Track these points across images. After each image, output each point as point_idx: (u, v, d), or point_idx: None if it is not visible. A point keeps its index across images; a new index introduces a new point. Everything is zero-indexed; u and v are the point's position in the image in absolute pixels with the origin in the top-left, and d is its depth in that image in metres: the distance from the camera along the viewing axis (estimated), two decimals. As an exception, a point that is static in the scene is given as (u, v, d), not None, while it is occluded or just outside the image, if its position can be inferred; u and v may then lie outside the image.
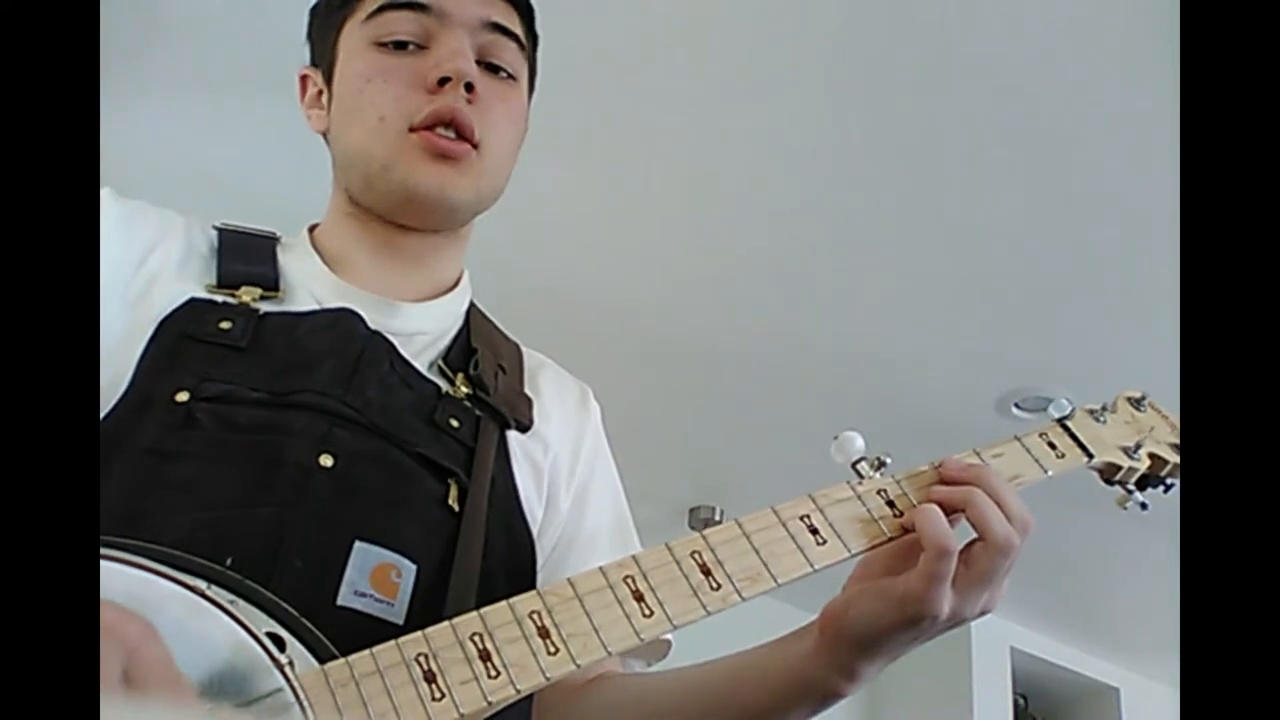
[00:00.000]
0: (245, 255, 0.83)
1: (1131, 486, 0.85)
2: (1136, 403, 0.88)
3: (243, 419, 0.71)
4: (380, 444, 0.74)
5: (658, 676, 0.85)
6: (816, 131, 2.09)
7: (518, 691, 0.59)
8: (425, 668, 0.58)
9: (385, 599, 0.68)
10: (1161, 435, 0.86)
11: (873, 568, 0.73)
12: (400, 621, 0.67)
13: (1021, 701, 4.08)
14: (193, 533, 0.63)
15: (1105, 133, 1.99)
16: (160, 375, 0.72)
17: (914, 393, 2.76)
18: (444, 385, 0.82)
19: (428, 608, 0.68)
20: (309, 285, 0.84)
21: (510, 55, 0.88)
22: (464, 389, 0.82)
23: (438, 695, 0.57)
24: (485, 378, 0.84)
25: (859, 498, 0.73)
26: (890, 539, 0.72)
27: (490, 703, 0.58)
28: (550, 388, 0.92)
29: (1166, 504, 0.79)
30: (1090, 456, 0.82)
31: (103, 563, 0.52)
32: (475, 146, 0.83)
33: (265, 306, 0.79)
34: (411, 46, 0.84)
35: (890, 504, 0.73)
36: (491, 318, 0.94)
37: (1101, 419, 0.85)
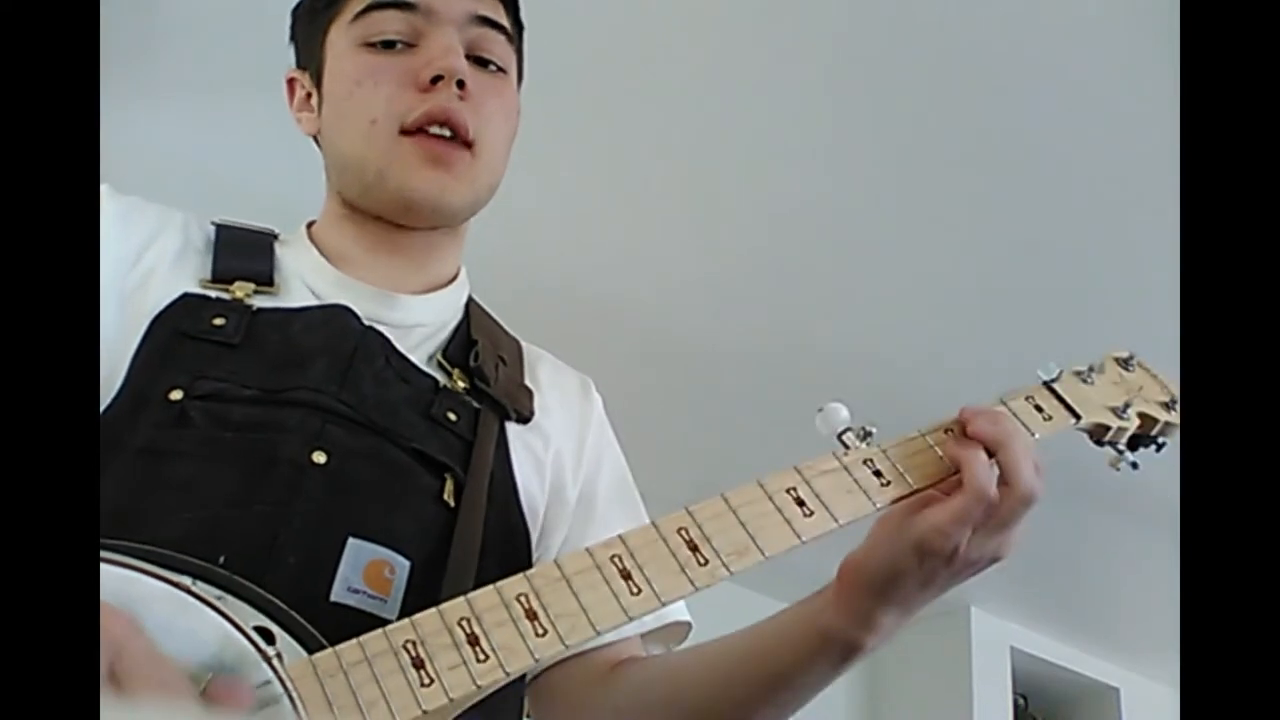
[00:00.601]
0: (241, 250, 0.83)
1: (1122, 447, 0.83)
2: (1124, 363, 0.86)
3: (236, 417, 0.71)
4: (374, 440, 0.74)
5: (681, 652, 0.85)
6: (816, 131, 2.08)
7: (507, 674, 0.59)
8: (413, 654, 0.58)
9: (378, 595, 0.68)
10: (1151, 394, 0.85)
11: (893, 519, 0.73)
12: (394, 617, 0.67)
13: (1021, 701, 4.07)
14: (188, 532, 0.63)
15: (1105, 133, 1.99)
16: (154, 373, 0.72)
17: (914, 393, 2.74)
18: (441, 379, 0.81)
19: (421, 603, 0.68)
20: (307, 279, 0.84)
21: (499, 48, 0.87)
22: (461, 382, 0.82)
23: (427, 681, 0.57)
24: (486, 368, 0.83)
25: (845, 468, 0.72)
26: (877, 508, 0.71)
27: (479, 686, 0.58)
28: (550, 381, 0.92)
29: (1166, 504, 0.78)
30: (1078, 418, 0.80)
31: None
32: (470, 145, 0.82)
33: (259, 302, 0.79)
34: (400, 45, 0.83)
35: (877, 473, 0.73)
36: (491, 312, 0.94)
37: (1089, 380, 0.83)
